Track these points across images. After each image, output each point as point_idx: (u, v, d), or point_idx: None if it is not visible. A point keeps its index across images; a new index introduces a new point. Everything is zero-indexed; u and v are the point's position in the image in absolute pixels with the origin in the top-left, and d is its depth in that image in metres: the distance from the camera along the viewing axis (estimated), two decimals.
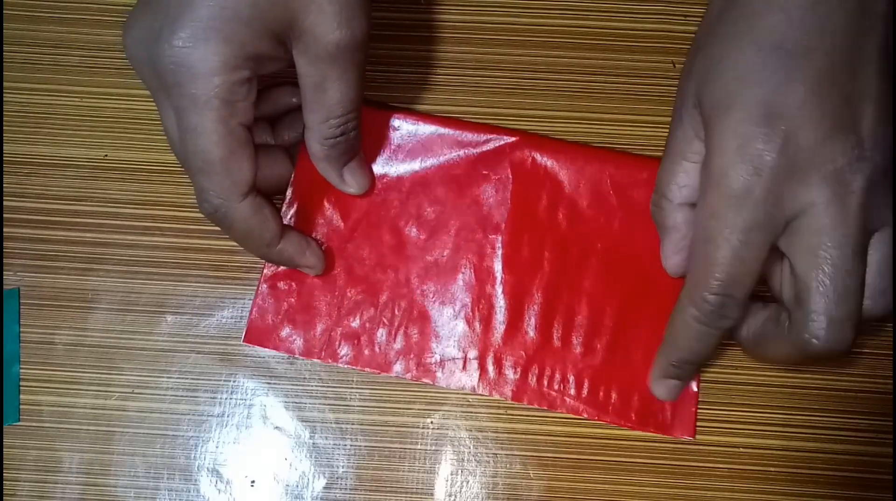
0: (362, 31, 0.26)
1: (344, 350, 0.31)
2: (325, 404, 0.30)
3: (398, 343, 0.31)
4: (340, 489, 0.30)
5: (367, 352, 0.31)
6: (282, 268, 0.31)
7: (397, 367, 0.30)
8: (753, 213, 0.24)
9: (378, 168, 0.33)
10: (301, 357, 0.31)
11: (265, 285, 0.31)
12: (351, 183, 0.31)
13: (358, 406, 0.30)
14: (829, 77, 0.24)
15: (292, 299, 0.31)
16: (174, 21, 0.24)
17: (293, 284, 0.31)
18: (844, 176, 0.24)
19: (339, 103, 0.27)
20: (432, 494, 0.30)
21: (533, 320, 0.31)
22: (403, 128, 0.33)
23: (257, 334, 0.31)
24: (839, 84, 0.24)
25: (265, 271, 0.31)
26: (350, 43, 0.26)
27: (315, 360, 0.31)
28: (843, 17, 0.24)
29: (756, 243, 0.24)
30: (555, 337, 0.31)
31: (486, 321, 0.31)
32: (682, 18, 0.34)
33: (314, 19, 0.25)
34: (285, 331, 0.31)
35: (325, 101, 0.27)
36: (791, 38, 0.24)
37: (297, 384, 0.31)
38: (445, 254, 0.32)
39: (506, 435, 0.30)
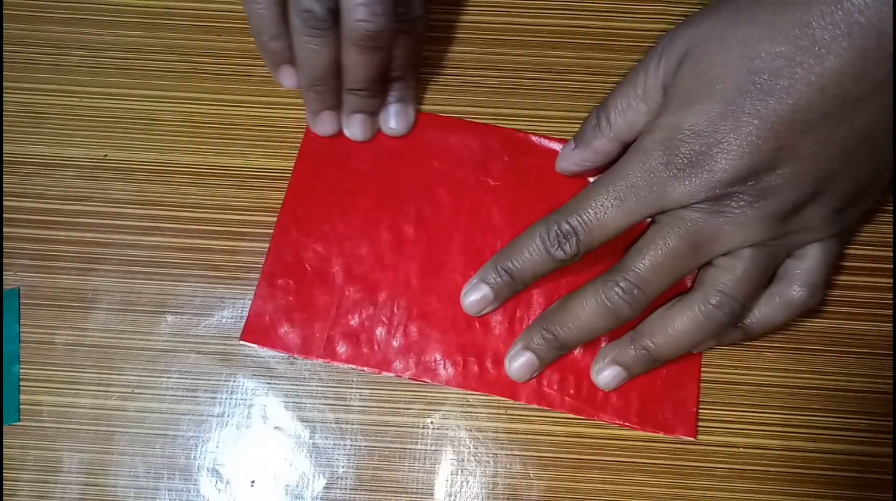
0: None
1: (342, 349, 0.31)
2: (325, 404, 0.30)
3: (397, 342, 0.31)
4: (340, 489, 0.30)
5: (365, 350, 0.31)
6: (281, 265, 0.31)
7: (396, 365, 0.30)
8: (640, 187, 0.26)
9: (378, 168, 0.33)
10: (299, 356, 0.31)
11: (264, 283, 0.31)
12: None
13: (358, 406, 0.30)
14: (778, 125, 0.24)
15: (290, 298, 0.31)
16: None
17: (291, 282, 0.31)
18: (723, 205, 0.26)
19: None
20: (432, 494, 0.30)
21: (532, 320, 0.31)
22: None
23: (255, 332, 0.31)
24: (784, 134, 0.25)
25: (265, 268, 0.31)
26: None
27: (315, 360, 0.31)
28: (837, 79, 0.24)
29: (627, 210, 0.27)
30: None
31: (486, 321, 0.31)
32: (682, 18, 0.34)
33: None
34: (283, 329, 0.31)
35: None
36: (773, 71, 0.24)
37: (297, 384, 0.31)
38: (445, 254, 0.32)
39: (506, 435, 0.30)
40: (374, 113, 0.32)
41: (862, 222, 0.32)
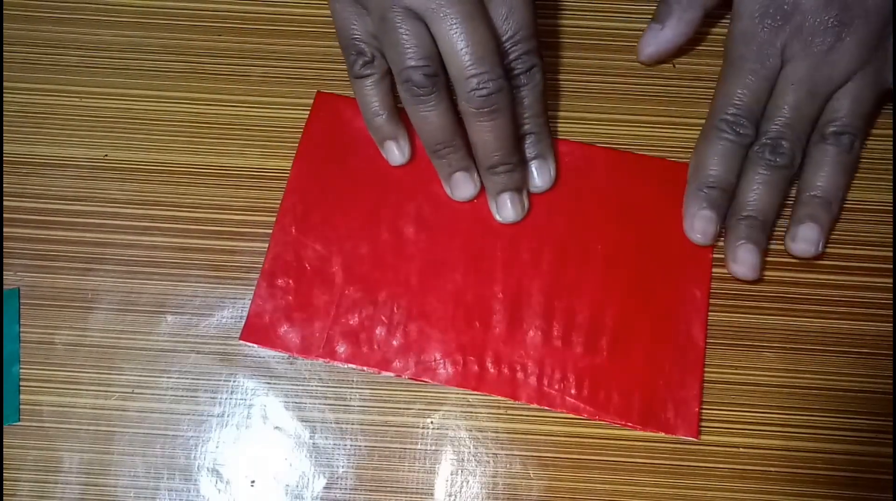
0: None
1: (342, 348, 0.31)
2: (325, 404, 0.30)
3: (397, 341, 0.31)
4: (340, 489, 0.30)
5: (365, 350, 0.31)
6: (280, 264, 0.31)
7: (396, 365, 0.30)
8: (756, 53, 0.30)
9: (378, 167, 0.33)
10: (299, 356, 0.31)
11: (263, 283, 0.31)
12: None
13: (358, 406, 0.30)
14: None
15: (290, 297, 0.31)
16: None
17: (291, 281, 0.31)
18: (811, 38, 0.30)
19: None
20: (432, 494, 0.30)
21: (533, 319, 0.31)
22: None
23: (254, 331, 0.31)
24: None
25: (264, 267, 0.31)
26: None
27: (314, 359, 0.31)
28: None
29: (763, 76, 0.30)
30: (555, 337, 0.31)
31: (486, 320, 0.31)
32: None
33: None
34: (283, 329, 0.31)
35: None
36: None
37: (297, 384, 0.31)
38: (445, 254, 0.32)
39: (506, 435, 0.30)
40: (520, 189, 0.31)
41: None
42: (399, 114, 0.31)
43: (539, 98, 0.30)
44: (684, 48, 0.34)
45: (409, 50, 0.28)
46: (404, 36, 0.28)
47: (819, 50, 0.30)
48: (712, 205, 0.31)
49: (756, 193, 0.30)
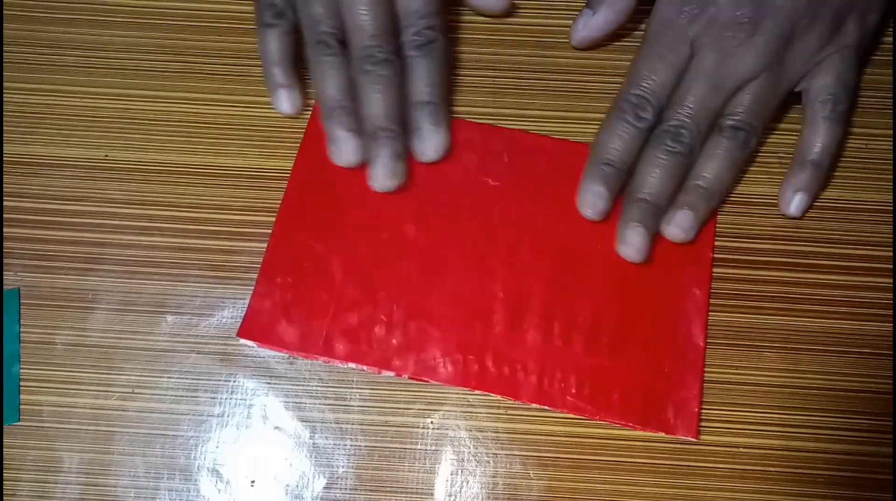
0: None
1: (341, 347, 0.31)
2: (325, 404, 0.30)
3: (396, 340, 0.31)
4: (340, 489, 0.30)
5: (364, 348, 0.31)
6: (280, 262, 0.31)
7: (396, 364, 0.30)
8: (670, 38, 0.31)
9: None
10: (297, 354, 0.31)
11: (263, 280, 0.31)
12: None
13: (358, 406, 0.30)
14: None
15: (289, 295, 0.31)
16: None
17: (290, 279, 0.31)
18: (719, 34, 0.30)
19: None
20: (432, 494, 0.30)
21: (533, 319, 0.31)
22: None
23: (253, 329, 0.31)
24: None
25: (264, 265, 0.31)
26: None
27: (314, 358, 0.31)
28: None
29: (670, 62, 0.31)
30: (555, 336, 0.31)
31: (486, 320, 0.31)
32: None
33: None
34: (282, 327, 0.31)
35: None
36: None
37: (297, 384, 0.31)
38: (445, 254, 0.32)
39: (506, 435, 0.30)
40: (396, 156, 0.31)
41: (874, 36, 0.33)
42: (295, 71, 0.33)
43: (436, 69, 0.31)
44: None
45: (326, 20, 0.31)
46: (321, 8, 0.31)
47: (727, 44, 0.30)
48: (606, 183, 0.31)
49: (653, 176, 0.30)
